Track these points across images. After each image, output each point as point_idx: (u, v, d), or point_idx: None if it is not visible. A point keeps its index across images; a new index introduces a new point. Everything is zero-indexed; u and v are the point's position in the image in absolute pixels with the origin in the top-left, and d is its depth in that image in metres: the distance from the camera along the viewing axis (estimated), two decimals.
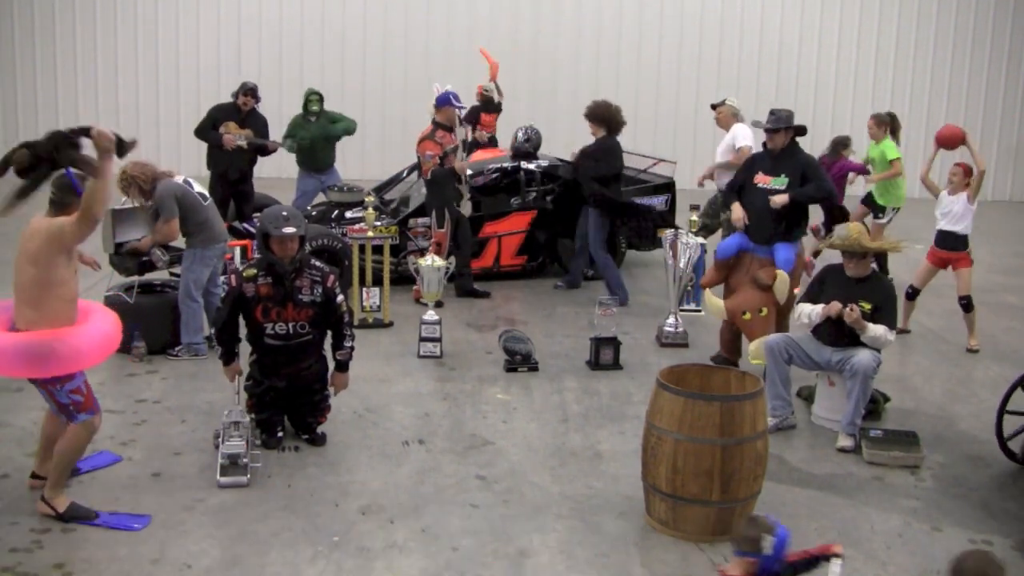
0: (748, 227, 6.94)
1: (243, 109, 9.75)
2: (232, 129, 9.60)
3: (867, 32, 17.19)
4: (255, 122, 9.83)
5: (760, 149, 7.35)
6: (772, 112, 6.95)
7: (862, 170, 10.24)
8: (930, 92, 17.35)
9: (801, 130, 6.97)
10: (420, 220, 9.41)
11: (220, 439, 5.30)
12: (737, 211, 7.05)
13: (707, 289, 7.28)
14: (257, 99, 9.83)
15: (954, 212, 8.04)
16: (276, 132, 10.24)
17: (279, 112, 11.61)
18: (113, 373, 6.90)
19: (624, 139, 9.37)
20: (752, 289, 6.80)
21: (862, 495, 5.37)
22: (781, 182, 6.80)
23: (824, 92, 17.21)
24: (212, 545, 4.56)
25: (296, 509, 4.94)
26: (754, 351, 6.48)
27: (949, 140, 8.33)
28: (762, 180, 6.88)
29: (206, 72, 16.24)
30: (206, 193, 7.40)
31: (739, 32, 17.02)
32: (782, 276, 6.63)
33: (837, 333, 6.06)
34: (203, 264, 7.19)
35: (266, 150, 9.90)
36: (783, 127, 6.84)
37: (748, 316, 6.65)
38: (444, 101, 8.97)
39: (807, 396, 6.69)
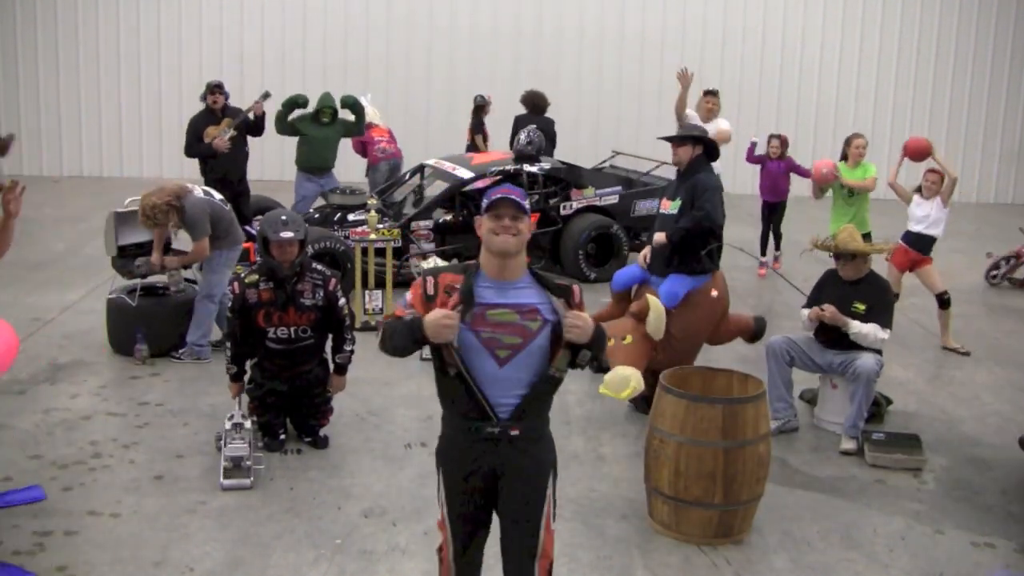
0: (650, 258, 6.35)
1: (215, 108, 9.46)
2: (213, 133, 9.39)
3: (869, 33, 17.18)
4: (231, 116, 9.57)
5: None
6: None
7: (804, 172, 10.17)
8: (932, 94, 17.32)
9: (711, 150, 6.24)
10: (422, 223, 9.39)
11: (223, 442, 5.31)
12: (642, 250, 6.54)
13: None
14: (226, 94, 9.54)
15: (932, 217, 8.01)
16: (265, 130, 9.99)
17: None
18: (115, 375, 6.91)
19: (627, 142, 9.37)
20: (628, 317, 6.30)
21: (864, 498, 5.36)
22: (676, 206, 6.16)
23: (826, 92, 17.20)
24: (214, 548, 4.56)
25: (298, 512, 4.94)
26: (607, 381, 5.83)
27: (916, 152, 8.24)
28: (664, 205, 6.38)
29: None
30: (223, 197, 7.48)
31: (741, 34, 17.00)
32: (655, 308, 5.99)
33: (832, 336, 6.09)
34: (227, 265, 7.22)
35: (255, 126, 9.64)
36: (689, 138, 6.16)
37: (612, 342, 6.03)
38: None
39: (810, 399, 6.69)
